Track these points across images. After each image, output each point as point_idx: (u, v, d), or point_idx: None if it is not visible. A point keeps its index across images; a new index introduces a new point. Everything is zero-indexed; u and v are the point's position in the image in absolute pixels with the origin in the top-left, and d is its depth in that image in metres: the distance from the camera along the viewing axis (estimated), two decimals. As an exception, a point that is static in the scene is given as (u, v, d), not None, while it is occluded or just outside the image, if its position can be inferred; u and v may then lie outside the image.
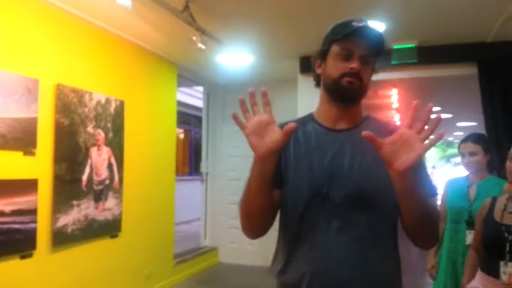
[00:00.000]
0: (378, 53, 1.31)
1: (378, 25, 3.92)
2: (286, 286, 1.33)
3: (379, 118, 1.42)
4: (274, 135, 1.16)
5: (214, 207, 6.52)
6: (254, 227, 1.34)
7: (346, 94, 1.29)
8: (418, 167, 1.28)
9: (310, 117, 1.41)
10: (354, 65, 1.26)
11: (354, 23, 1.27)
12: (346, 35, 1.26)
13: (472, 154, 2.75)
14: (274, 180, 1.27)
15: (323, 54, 1.34)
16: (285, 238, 1.35)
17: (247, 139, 1.16)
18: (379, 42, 1.29)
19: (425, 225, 1.23)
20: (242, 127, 1.16)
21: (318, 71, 1.36)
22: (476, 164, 2.75)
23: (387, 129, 1.30)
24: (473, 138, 2.82)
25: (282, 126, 1.35)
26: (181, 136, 10.97)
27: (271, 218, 1.32)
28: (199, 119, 8.61)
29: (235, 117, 1.17)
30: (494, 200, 2.20)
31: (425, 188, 1.30)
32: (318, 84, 1.39)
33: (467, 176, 2.88)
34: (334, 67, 1.29)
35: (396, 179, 1.11)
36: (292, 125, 1.14)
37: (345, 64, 1.27)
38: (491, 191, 2.50)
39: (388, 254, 1.29)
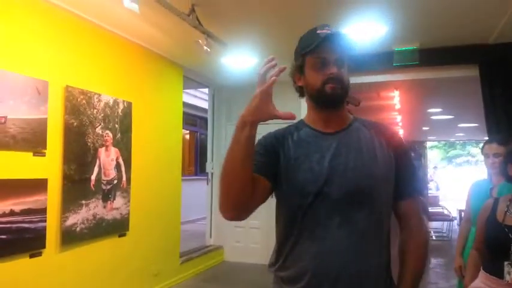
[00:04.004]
0: (348, 52, 1.38)
1: (380, 28, 3.97)
2: (286, 281, 1.38)
3: (366, 119, 1.50)
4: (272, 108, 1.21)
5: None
6: (232, 203, 1.29)
7: (331, 100, 1.36)
8: (406, 166, 1.41)
9: (302, 123, 1.48)
10: (332, 70, 1.33)
11: (318, 31, 1.35)
12: (316, 46, 1.33)
13: (496, 155, 2.80)
14: (267, 171, 1.34)
15: (300, 68, 1.40)
16: (285, 235, 1.39)
17: (259, 96, 1.18)
18: (347, 43, 1.36)
19: None
20: (262, 82, 1.19)
21: (299, 83, 1.43)
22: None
23: (378, 128, 1.43)
24: (498, 139, 2.89)
25: (266, 137, 1.43)
26: (187, 137, 11.02)
27: (249, 199, 1.28)
28: (204, 120, 8.67)
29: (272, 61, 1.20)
30: (496, 201, 2.23)
31: (411, 187, 1.42)
32: (301, 95, 1.46)
33: (490, 177, 2.95)
34: (314, 77, 1.36)
35: None
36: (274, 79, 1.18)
37: (323, 72, 1.34)
38: None
39: (384, 246, 1.37)
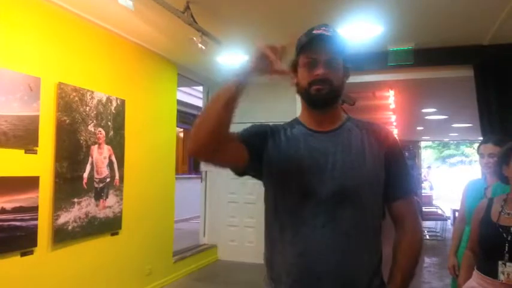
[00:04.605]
0: (341, 53, 1.37)
1: (375, 28, 3.97)
2: (274, 279, 1.38)
3: (360, 118, 1.50)
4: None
5: (213, 206, 6.56)
6: (202, 135, 1.24)
7: (316, 101, 1.36)
8: (400, 166, 1.42)
9: (296, 121, 1.48)
10: (318, 71, 1.32)
11: (314, 31, 1.35)
12: (305, 45, 1.33)
13: (491, 155, 2.80)
14: (249, 142, 1.35)
15: (294, 66, 1.40)
16: (273, 232, 1.40)
17: (264, 50, 1.23)
18: (339, 43, 1.36)
19: None
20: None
21: (295, 80, 1.42)
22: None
23: (371, 128, 1.42)
24: (493, 140, 2.89)
25: (260, 125, 1.44)
26: (181, 135, 11.00)
27: (220, 144, 1.26)
28: (198, 118, 8.63)
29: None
30: (491, 201, 2.23)
31: (405, 187, 1.42)
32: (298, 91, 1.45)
33: (485, 177, 2.95)
34: (303, 77, 1.37)
35: None
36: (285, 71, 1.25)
37: (311, 72, 1.34)
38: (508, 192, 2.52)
39: (371, 245, 1.36)
